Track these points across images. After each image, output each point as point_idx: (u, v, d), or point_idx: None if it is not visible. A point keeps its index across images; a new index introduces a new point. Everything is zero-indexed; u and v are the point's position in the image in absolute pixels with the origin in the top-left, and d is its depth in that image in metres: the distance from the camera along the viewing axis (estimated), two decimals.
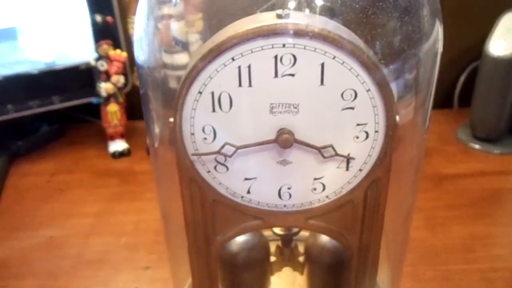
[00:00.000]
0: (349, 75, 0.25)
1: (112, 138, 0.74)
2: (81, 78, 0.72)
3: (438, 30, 0.30)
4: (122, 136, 0.75)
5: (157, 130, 0.34)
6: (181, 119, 0.27)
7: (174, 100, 0.26)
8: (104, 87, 0.70)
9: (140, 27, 0.31)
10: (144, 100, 0.33)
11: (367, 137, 0.27)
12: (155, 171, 0.37)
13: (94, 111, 0.76)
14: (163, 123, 0.33)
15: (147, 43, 0.32)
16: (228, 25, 0.26)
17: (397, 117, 0.26)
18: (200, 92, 0.26)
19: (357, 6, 0.27)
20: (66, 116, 0.81)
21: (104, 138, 0.75)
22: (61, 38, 0.72)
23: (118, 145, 0.74)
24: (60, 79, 0.72)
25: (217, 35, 0.26)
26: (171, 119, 0.27)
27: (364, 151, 0.28)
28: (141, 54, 0.32)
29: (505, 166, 0.69)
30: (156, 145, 0.35)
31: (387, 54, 0.28)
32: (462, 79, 0.84)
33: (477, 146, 0.73)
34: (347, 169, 0.28)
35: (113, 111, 0.72)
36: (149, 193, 0.63)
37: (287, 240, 0.37)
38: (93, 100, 0.72)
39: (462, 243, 0.54)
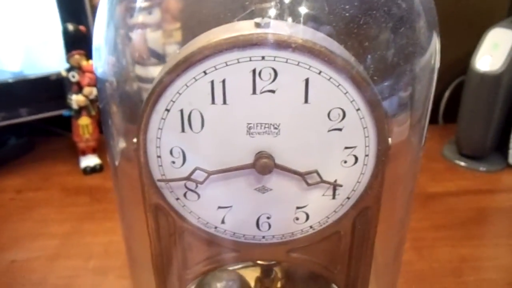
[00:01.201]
0: (336, 92, 0.23)
1: (84, 153, 0.71)
2: (51, 89, 0.69)
3: (436, 44, 0.27)
4: (94, 151, 0.71)
5: (121, 145, 0.31)
6: (145, 140, 0.24)
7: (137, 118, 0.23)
8: (76, 99, 0.67)
9: (100, 36, 0.28)
10: (104, 115, 0.30)
11: (356, 161, 0.25)
12: (118, 195, 0.34)
13: (66, 124, 0.72)
14: (129, 140, 0.30)
15: (112, 53, 0.29)
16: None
17: (390, 140, 0.24)
18: (167, 110, 0.23)
19: (346, 14, 0.24)
20: (35, 129, 0.77)
21: (75, 152, 0.72)
22: (30, 46, 0.69)
23: (89, 161, 0.70)
24: (29, 89, 0.69)
25: (188, 46, 0.23)
26: (135, 140, 0.24)
27: (353, 178, 0.25)
28: (100, 66, 0.28)
29: (492, 184, 0.68)
30: (117, 163, 0.32)
31: (380, 69, 0.25)
32: (447, 94, 0.83)
33: (463, 164, 0.72)
34: (334, 197, 0.26)
35: (85, 125, 0.69)
36: None
37: (267, 271, 0.34)
38: (64, 112, 0.69)
39: (450, 266, 0.52)
